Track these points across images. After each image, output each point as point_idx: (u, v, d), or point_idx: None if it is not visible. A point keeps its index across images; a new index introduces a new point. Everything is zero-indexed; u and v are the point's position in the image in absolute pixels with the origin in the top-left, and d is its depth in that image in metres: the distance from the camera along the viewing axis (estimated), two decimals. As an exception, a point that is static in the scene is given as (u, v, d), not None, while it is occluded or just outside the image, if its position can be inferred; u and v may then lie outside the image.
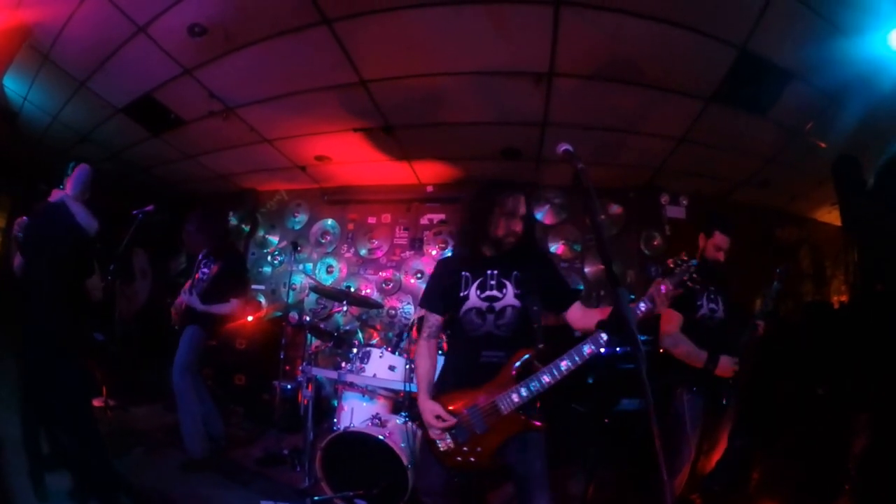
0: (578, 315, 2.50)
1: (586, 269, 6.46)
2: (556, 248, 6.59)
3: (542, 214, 6.64)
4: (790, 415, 4.75)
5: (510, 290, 2.42)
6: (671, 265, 2.30)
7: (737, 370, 3.14)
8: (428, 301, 2.59)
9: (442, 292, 2.53)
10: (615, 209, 6.64)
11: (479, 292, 2.44)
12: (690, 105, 4.60)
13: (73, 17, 3.79)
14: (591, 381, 4.47)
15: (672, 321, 3.25)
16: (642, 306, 2.18)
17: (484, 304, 2.41)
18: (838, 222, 7.21)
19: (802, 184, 6.30)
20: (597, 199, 1.57)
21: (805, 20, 3.46)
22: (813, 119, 4.61)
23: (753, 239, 6.55)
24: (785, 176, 6.02)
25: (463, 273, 2.49)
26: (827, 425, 4.25)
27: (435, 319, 2.53)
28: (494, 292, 2.42)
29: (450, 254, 2.94)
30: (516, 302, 2.40)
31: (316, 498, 3.50)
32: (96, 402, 5.35)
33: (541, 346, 2.31)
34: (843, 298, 7.19)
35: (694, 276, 2.28)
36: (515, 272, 2.45)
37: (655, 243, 6.54)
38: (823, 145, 4.85)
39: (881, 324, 3.19)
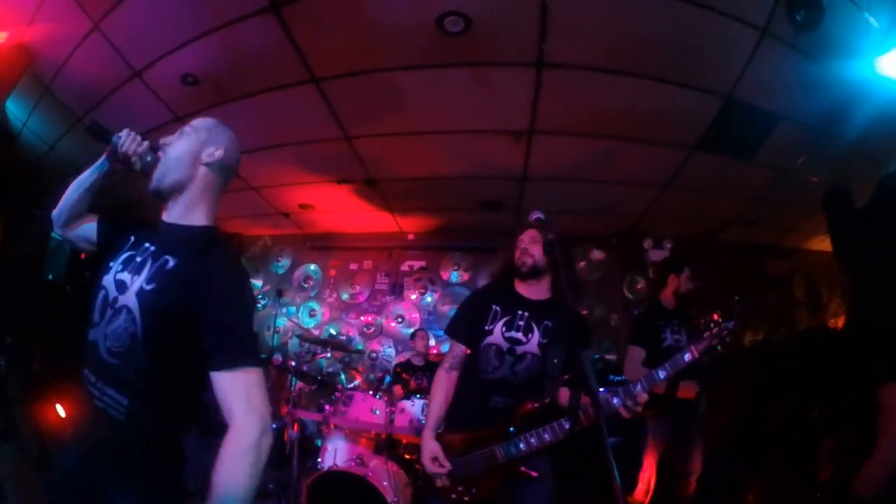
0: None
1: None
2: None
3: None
4: (784, 437, 4.92)
5: (536, 336, 2.44)
6: (701, 325, 2.41)
7: (698, 391, 3.42)
8: (454, 329, 2.62)
9: (469, 322, 2.55)
10: (598, 255, 6.95)
11: (504, 329, 2.46)
12: (674, 154, 4.84)
13: (74, 53, 4.03)
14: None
15: (633, 357, 3.63)
16: (661, 374, 2.32)
17: (505, 345, 2.44)
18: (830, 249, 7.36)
19: (793, 218, 6.50)
20: (566, 269, 1.73)
21: (791, 62, 3.67)
22: (803, 154, 4.79)
23: (742, 274, 6.80)
24: (775, 213, 6.21)
25: (494, 306, 2.52)
26: (820, 447, 4.42)
27: (459, 349, 2.56)
28: (520, 335, 2.44)
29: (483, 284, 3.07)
30: (537, 351, 2.42)
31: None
32: None
33: (547, 400, 2.33)
34: (840, 322, 7.33)
35: (727, 340, 2.36)
36: (547, 322, 2.46)
37: (639, 287, 6.83)
38: (815, 179, 5.06)
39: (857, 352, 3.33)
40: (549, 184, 5.46)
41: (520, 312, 2.48)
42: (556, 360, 2.37)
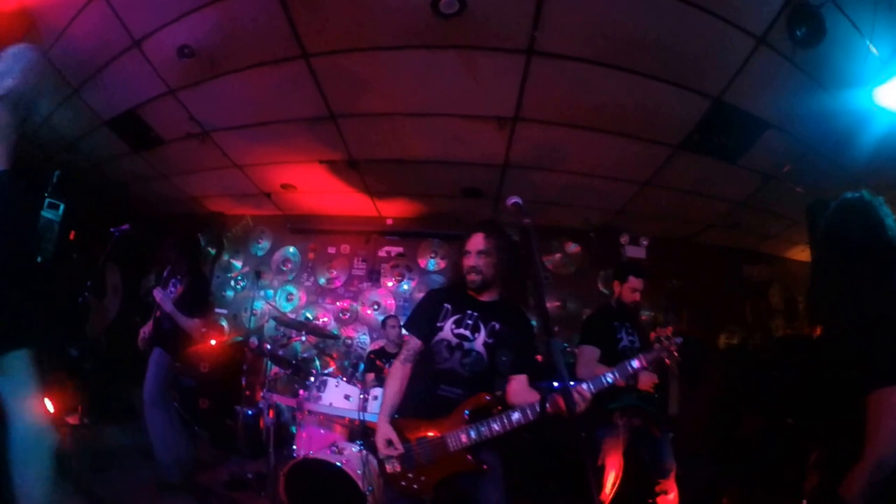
0: (518, 389, 2.59)
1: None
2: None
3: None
4: (759, 445, 4.98)
5: (482, 336, 2.55)
6: (652, 339, 2.54)
7: (656, 381, 3.52)
8: (410, 325, 2.74)
9: (425, 318, 2.66)
10: (573, 248, 7.00)
11: (453, 326, 2.57)
12: (658, 151, 4.86)
13: (76, 18, 3.94)
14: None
15: (587, 355, 3.67)
16: (609, 377, 2.35)
17: (455, 340, 2.54)
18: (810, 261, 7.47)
19: (774, 225, 6.59)
20: (539, 254, 1.74)
21: (787, 74, 3.73)
22: (790, 163, 4.86)
23: (720, 277, 6.88)
24: (756, 218, 6.29)
25: (445, 304, 2.64)
26: (796, 455, 4.47)
27: (415, 343, 2.66)
28: (467, 332, 2.56)
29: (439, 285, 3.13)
30: (483, 351, 2.53)
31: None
32: (71, 420, 5.47)
33: (498, 393, 2.45)
34: (817, 331, 7.42)
35: (675, 354, 2.50)
36: (494, 323, 2.58)
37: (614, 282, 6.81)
38: (800, 189, 5.12)
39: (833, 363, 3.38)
40: (529, 173, 5.46)
41: (469, 312, 2.61)
42: (504, 359, 2.51)
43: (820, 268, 2.87)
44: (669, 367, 2.70)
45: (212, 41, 3.97)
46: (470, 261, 2.60)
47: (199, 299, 4.61)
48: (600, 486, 3.50)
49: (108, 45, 4.20)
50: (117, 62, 4.37)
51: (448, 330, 2.57)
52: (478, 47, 3.74)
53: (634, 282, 3.90)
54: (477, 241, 2.62)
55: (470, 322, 2.58)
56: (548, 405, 2.26)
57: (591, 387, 2.27)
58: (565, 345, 3.05)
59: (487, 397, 2.43)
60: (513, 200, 2.03)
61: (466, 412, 2.41)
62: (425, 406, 2.50)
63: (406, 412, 2.55)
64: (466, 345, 2.53)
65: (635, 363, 2.44)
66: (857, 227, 2.28)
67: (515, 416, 2.31)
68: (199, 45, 4.03)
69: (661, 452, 3.64)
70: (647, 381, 3.49)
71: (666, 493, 3.59)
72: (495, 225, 2.70)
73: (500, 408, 2.45)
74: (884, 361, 1.84)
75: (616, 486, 3.54)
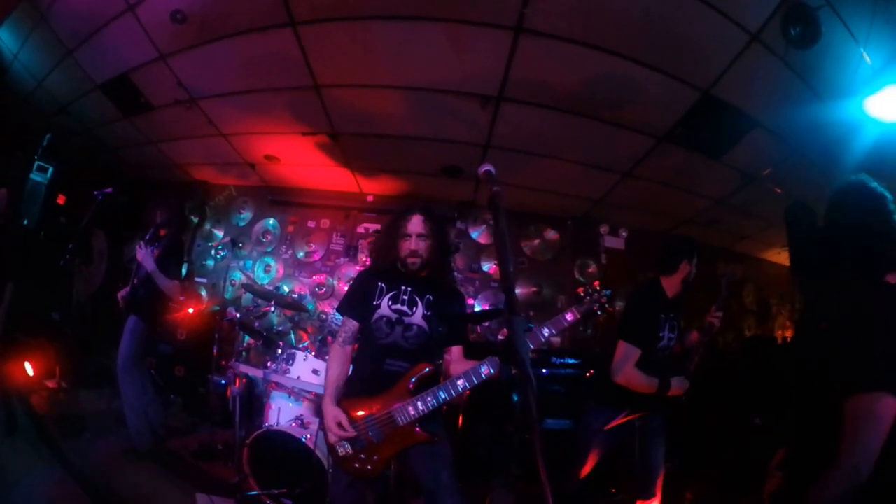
0: (456, 359, 2.62)
1: (517, 291, 6.71)
2: (488, 267, 6.88)
3: (478, 234, 6.98)
4: (725, 442, 4.95)
5: (420, 310, 2.56)
6: (581, 293, 2.48)
7: (687, 387, 3.14)
8: (344, 307, 2.70)
9: (359, 299, 2.64)
10: (551, 235, 6.96)
11: (390, 303, 2.56)
12: (641, 141, 4.80)
13: None
14: (515, 399, 4.60)
15: (627, 357, 3.08)
16: (545, 332, 2.33)
17: (394, 316, 2.54)
18: (787, 263, 7.51)
19: (751, 226, 6.60)
20: (507, 224, 1.67)
21: (777, 73, 3.67)
22: (772, 166, 4.83)
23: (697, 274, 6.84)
24: (734, 217, 6.29)
25: (379, 283, 2.62)
26: (762, 454, 4.44)
27: (351, 325, 2.63)
28: (405, 308, 2.55)
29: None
30: (423, 323, 2.53)
31: (244, 494, 3.60)
32: (49, 384, 5.44)
33: (440, 362, 2.43)
34: (788, 334, 7.46)
35: (606, 306, 2.45)
36: (429, 296, 2.59)
37: (590, 270, 6.89)
38: (779, 190, 5.11)
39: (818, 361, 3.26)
40: (510, 155, 5.38)
41: (403, 288, 2.61)
42: (440, 329, 2.56)
43: (807, 262, 2.76)
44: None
45: (203, 6, 3.90)
46: (410, 244, 2.57)
47: (177, 261, 4.55)
48: (576, 473, 3.28)
49: (104, 9, 4.14)
50: (111, 26, 4.31)
51: (385, 307, 2.56)
52: (464, 21, 3.64)
53: (695, 260, 3.30)
54: (416, 224, 2.59)
55: (405, 297, 2.58)
56: (485, 369, 2.31)
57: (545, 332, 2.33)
58: (530, 325, 2.89)
59: (428, 368, 2.42)
60: (485, 168, 1.95)
61: (411, 382, 2.39)
62: (372, 383, 2.48)
63: (353, 391, 2.53)
64: (406, 319, 2.53)
65: (568, 316, 2.40)
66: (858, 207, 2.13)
67: (460, 382, 2.32)
68: (190, 9, 3.95)
69: (656, 452, 3.28)
70: (678, 388, 3.08)
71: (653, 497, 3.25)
72: (429, 207, 2.69)
73: (442, 378, 2.48)
74: (867, 365, 1.74)
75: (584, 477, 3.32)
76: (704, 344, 3.38)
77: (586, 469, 3.29)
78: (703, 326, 3.40)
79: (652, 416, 3.23)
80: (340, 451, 2.39)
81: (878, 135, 3.91)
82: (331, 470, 3.36)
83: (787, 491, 2.12)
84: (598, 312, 2.42)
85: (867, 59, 3.48)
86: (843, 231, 2.02)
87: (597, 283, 2.55)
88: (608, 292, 2.45)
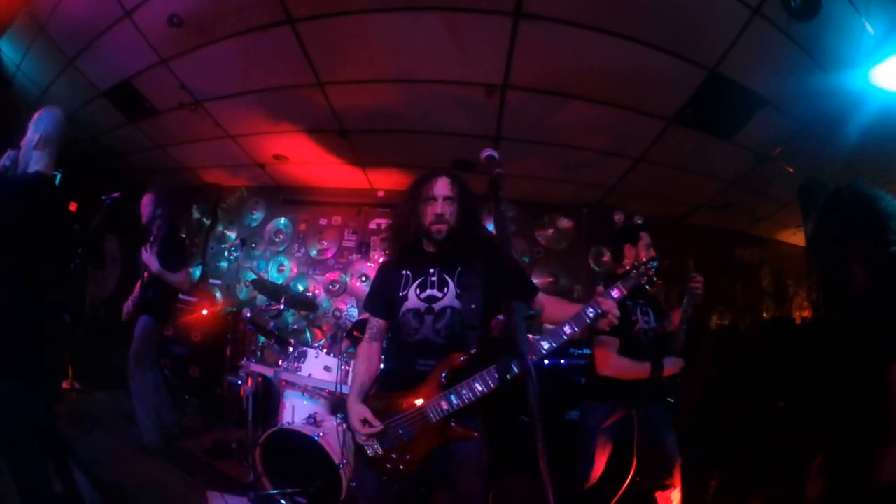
0: (550, 304, 2.37)
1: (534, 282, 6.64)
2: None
3: (492, 227, 6.76)
4: (749, 427, 4.81)
5: (451, 289, 2.26)
6: (629, 268, 2.25)
7: (682, 366, 3.01)
8: (369, 304, 2.48)
9: (383, 294, 2.39)
10: (565, 223, 6.80)
11: (418, 291, 2.29)
12: (652, 124, 4.66)
13: None
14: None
15: (606, 348, 2.98)
16: (590, 312, 2.06)
17: (423, 305, 2.25)
18: (802, 244, 7.31)
19: (766, 207, 6.42)
20: (507, 209, 1.55)
21: (782, 47, 3.54)
22: (782, 145, 4.68)
23: (712, 259, 6.68)
24: (749, 199, 6.10)
25: (404, 272, 2.35)
26: (787, 438, 4.31)
27: (377, 322, 2.43)
28: (435, 291, 2.27)
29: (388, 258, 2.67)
30: (456, 303, 2.23)
31: (258, 493, 3.52)
32: (63, 385, 5.44)
33: (473, 351, 2.14)
34: (806, 314, 7.30)
35: (654, 279, 2.22)
36: (459, 268, 2.29)
37: (605, 259, 6.65)
38: (791, 170, 4.95)
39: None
40: (522, 146, 5.28)
41: (430, 271, 2.30)
42: (473, 306, 2.20)
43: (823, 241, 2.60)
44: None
45: (199, 8, 3.86)
46: (437, 208, 2.26)
47: (176, 251, 4.52)
48: (586, 476, 3.09)
49: (101, 17, 4.14)
50: (110, 33, 4.30)
51: (413, 297, 2.28)
52: (462, 9, 3.53)
53: (646, 237, 3.22)
54: (443, 186, 2.29)
55: (434, 279, 2.28)
56: (591, 312, 2.05)
57: (552, 343, 2.04)
58: (532, 311, 2.69)
59: (462, 358, 2.11)
60: (487, 153, 1.82)
61: (442, 376, 2.12)
62: (403, 384, 2.22)
63: (382, 387, 2.33)
64: (437, 305, 2.23)
65: (615, 293, 2.11)
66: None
67: (496, 372, 2.03)
68: (187, 13, 3.93)
69: (666, 441, 3.11)
70: (671, 369, 2.96)
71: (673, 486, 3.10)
72: (455, 172, 2.39)
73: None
74: None
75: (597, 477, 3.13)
76: (690, 317, 3.19)
77: (597, 471, 3.11)
78: (687, 294, 3.13)
79: (651, 406, 3.08)
80: (370, 451, 2.17)
81: (883, 105, 3.83)
82: (340, 467, 3.30)
83: (834, 495, 2.00)
84: (647, 287, 2.20)
85: (870, 28, 3.34)
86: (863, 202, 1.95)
87: (643, 254, 2.59)
88: (654, 264, 2.22)
